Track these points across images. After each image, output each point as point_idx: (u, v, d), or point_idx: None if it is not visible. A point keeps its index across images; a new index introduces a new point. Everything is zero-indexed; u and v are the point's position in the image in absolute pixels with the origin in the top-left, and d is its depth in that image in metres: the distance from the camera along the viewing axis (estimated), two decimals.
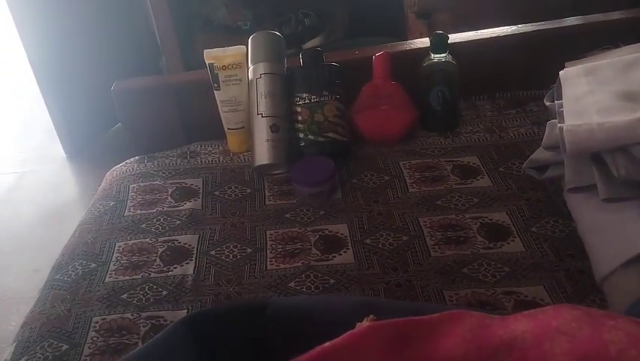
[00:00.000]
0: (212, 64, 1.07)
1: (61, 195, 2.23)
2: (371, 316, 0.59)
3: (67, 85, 2.27)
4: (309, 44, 2.23)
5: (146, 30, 2.28)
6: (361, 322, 0.58)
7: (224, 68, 1.07)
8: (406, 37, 1.97)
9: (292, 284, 0.84)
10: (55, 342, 0.78)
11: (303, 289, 0.83)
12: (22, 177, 2.35)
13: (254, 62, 1.09)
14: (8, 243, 2.01)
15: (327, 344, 0.56)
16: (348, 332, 0.57)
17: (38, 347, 0.77)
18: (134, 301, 0.83)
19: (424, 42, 1.19)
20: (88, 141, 2.41)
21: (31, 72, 2.24)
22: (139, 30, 2.33)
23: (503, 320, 0.57)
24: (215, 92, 1.10)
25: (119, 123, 1.25)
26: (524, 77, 1.21)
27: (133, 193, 1.06)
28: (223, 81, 1.08)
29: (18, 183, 2.32)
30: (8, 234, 2.06)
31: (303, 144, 1.08)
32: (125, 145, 1.22)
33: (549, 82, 1.00)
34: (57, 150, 2.42)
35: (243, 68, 1.08)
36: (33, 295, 0.90)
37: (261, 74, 1.07)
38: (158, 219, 0.99)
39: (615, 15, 1.25)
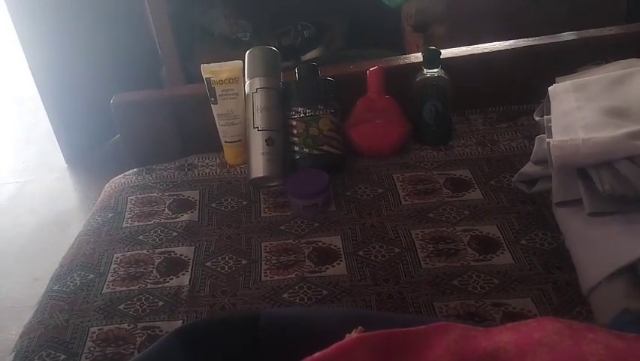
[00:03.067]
0: (210, 78, 1.09)
1: (62, 204, 2.25)
2: (360, 327, 0.60)
3: (68, 94, 2.29)
4: (308, 56, 2.25)
5: (147, 40, 2.30)
6: (350, 333, 0.60)
7: (220, 82, 1.09)
8: (403, 50, 1.99)
9: (286, 295, 0.85)
10: (53, 352, 0.80)
11: (297, 301, 0.84)
12: (23, 186, 2.37)
13: (250, 77, 1.11)
14: (8, 252, 2.03)
15: (316, 354, 0.57)
16: (337, 343, 0.58)
17: (37, 357, 0.79)
18: (131, 312, 0.85)
19: (417, 57, 1.21)
20: (88, 151, 2.42)
21: (32, 81, 2.26)
22: (140, 40, 2.36)
23: (487, 332, 0.59)
24: (212, 105, 1.12)
25: (119, 134, 1.27)
26: (517, 92, 1.22)
27: (131, 205, 1.08)
28: (220, 95, 1.10)
29: (19, 192, 2.34)
30: (8, 243, 2.07)
31: (298, 156, 1.10)
32: (123, 160, 1.23)
33: (542, 97, 1.01)
34: (58, 160, 2.44)
35: (240, 82, 1.11)
36: (33, 303, 0.92)
37: (257, 89, 1.09)
38: (156, 231, 1.01)
39: (609, 30, 1.26)
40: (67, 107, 2.32)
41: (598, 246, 0.80)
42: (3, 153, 2.62)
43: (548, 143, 0.83)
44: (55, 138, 2.39)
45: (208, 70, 1.09)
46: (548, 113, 0.93)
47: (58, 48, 2.21)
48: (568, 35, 1.28)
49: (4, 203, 2.29)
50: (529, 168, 0.94)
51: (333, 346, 0.58)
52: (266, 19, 2.37)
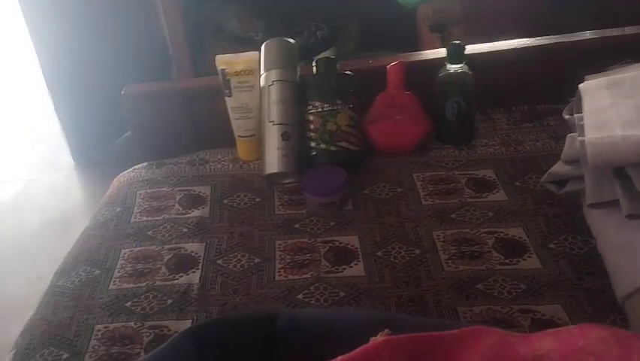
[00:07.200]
0: (224, 69, 1.06)
1: (67, 202, 2.22)
2: (386, 330, 0.56)
3: (77, 92, 2.27)
4: (321, 56, 2.22)
5: (158, 38, 2.28)
6: (376, 336, 0.56)
7: (236, 74, 1.05)
8: (418, 51, 1.96)
9: (301, 296, 0.81)
10: (56, 350, 0.76)
11: (312, 302, 0.80)
12: (30, 184, 2.34)
13: (266, 69, 1.07)
14: (12, 250, 2.00)
15: (340, 358, 0.53)
16: (363, 346, 0.54)
17: (38, 355, 0.75)
18: (138, 310, 0.81)
19: (438, 52, 1.17)
20: (96, 149, 2.40)
21: (42, 78, 2.24)
22: (151, 38, 2.34)
23: (526, 338, 0.55)
24: (226, 98, 1.08)
25: (128, 132, 1.23)
26: (541, 91, 1.19)
27: (140, 200, 1.04)
28: (235, 87, 1.06)
29: (25, 190, 2.31)
30: (13, 241, 2.04)
31: (314, 153, 1.06)
32: (134, 154, 1.20)
33: (566, 96, 0.98)
34: (65, 158, 2.41)
35: (255, 74, 1.07)
36: (36, 302, 0.88)
37: (273, 81, 1.05)
38: (165, 227, 0.97)
39: (631, 30, 1.23)
40: (76, 105, 2.30)
41: (635, 250, 0.75)
42: (11, 151, 2.60)
43: (582, 141, 0.79)
44: (63, 136, 2.37)
45: (223, 61, 1.06)
46: (579, 111, 0.89)
47: (69, 45, 2.20)
48: (590, 34, 1.25)
49: (9, 200, 2.26)
50: (559, 167, 0.89)
51: (359, 349, 0.54)
52: (278, 19, 2.35)
